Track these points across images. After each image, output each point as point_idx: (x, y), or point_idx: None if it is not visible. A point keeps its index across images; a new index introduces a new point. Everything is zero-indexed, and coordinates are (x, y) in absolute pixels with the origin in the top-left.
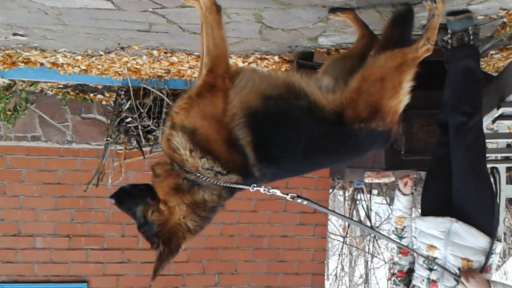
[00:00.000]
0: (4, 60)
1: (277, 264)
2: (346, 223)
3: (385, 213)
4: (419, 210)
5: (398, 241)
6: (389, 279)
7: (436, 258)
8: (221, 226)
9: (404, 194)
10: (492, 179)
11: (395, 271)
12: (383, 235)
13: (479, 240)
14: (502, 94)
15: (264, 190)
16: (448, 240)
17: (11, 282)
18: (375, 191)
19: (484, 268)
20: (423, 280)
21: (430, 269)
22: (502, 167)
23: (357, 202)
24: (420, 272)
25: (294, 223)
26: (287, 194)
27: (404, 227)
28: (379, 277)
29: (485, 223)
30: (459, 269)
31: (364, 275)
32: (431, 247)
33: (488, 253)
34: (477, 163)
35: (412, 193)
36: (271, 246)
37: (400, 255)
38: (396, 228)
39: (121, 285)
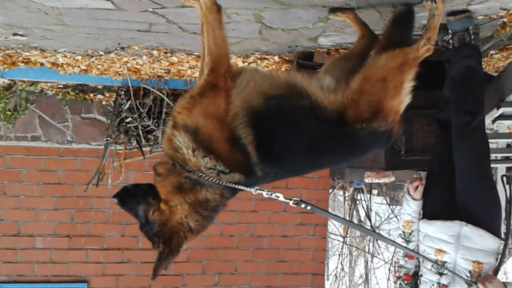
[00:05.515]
0: (4, 60)
1: (277, 264)
2: None
3: (385, 213)
4: None
5: (405, 245)
6: (394, 282)
7: (446, 262)
8: (221, 226)
9: (414, 199)
10: (508, 187)
11: (401, 275)
12: (388, 239)
13: (488, 241)
14: (502, 94)
15: (267, 194)
16: (459, 244)
17: (11, 282)
18: (375, 191)
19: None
20: (433, 285)
21: (440, 274)
22: (502, 167)
23: (357, 202)
24: (429, 276)
25: (294, 223)
26: (290, 199)
27: (412, 231)
28: (379, 277)
29: (493, 224)
30: (469, 272)
31: (364, 275)
32: (440, 251)
33: (502, 254)
34: (483, 163)
35: (422, 198)
36: (271, 246)
37: (406, 259)
38: (403, 232)
39: (121, 285)
